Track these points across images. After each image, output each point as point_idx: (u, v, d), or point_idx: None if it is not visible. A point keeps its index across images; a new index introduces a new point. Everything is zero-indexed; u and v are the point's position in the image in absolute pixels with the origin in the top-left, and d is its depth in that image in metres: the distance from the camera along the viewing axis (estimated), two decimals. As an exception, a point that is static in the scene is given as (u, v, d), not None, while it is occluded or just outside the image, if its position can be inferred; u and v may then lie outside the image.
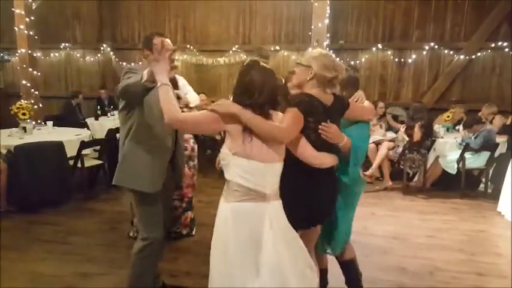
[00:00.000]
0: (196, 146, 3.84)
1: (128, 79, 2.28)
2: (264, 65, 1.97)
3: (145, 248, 2.45)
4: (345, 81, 2.43)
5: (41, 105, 6.55)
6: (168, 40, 2.46)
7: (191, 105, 3.44)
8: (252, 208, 1.85)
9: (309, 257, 2.03)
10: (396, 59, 7.23)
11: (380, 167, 5.73)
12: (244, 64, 2.00)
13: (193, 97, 3.52)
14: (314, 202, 2.14)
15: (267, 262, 1.83)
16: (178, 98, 3.32)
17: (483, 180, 5.53)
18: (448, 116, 6.29)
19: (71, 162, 4.85)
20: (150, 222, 2.48)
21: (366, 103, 2.52)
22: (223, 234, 1.88)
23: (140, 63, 2.55)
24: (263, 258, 1.84)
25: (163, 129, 2.38)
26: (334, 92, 2.24)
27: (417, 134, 5.39)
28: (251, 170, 1.84)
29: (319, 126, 2.09)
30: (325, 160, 2.12)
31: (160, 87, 1.90)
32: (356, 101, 2.45)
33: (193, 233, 3.86)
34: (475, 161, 5.37)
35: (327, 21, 5.34)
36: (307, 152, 2.05)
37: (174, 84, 3.57)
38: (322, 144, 2.11)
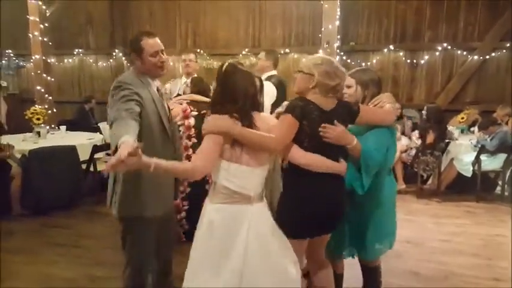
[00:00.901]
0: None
1: (121, 100, 2.09)
2: (242, 67, 1.93)
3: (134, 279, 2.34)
4: (366, 82, 2.37)
5: (54, 110, 6.65)
6: (157, 39, 2.30)
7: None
8: (235, 211, 1.87)
9: (293, 263, 1.96)
10: (408, 60, 7.14)
11: (393, 170, 5.65)
12: (223, 70, 1.92)
13: None
14: (317, 210, 2.05)
15: (233, 265, 1.82)
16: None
17: (499, 182, 5.41)
18: (463, 118, 6.18)
19: (84, 166, 4.90)
20: (144, 250, 2.35)
21: (387, 106, 2.35)
22: (204, 233, 1.89)
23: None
24: (232, 261, 1.83)
25: (162, 148, 2.27)
26: (340, 98, 2.16)
27: (430, 136, 5.31)
28: (238, 173, 1.85)
29: (322, 127, 2.01)
30: (320, 163, 2.01)
31: (154, 170, 1.65)
32: (375, 105, 2.33)
33: None
34: (491, 163, 5.25)
35: (337, 22, 5.30)
36: (297, 153, 1.99)
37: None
38: (321, 149, 2.02)
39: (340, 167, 2.07)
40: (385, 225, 2.43)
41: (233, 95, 1.86)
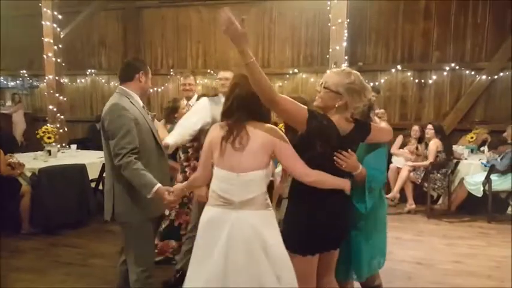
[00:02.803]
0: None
1: (123, 130, 2.27)
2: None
3: (147, 280, 2.44)
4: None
5: (66, 129, 6.75)
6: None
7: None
8: (218, 214, 1.94)
9: (275, 277, 1.90)
10: (416, 80, 7.16)
11: (403, 189, 5.60)
12: (233, 80, 2.08)
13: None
14: (322, 224, 2.04)
15: (213, 267, 1.87)
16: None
17: (511, 203, 5.33)
18: (472, 137, 6.14)
19: (93, 184, 4.94)
20: (149, 251, 2.53)
21: (383, 124, 2.41)
22: (198, 234, 2.02)
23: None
24: (212, 262, 1.87)
25: (157, 161, 2.45)
26: (357, 117, 2.14)
27: (436, 144, 5.29)
28: (219, 177, 1.96)
29: (336, 154, 2.00)
30: (324, 179, 1.99)
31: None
32: (380, 117, 2.38)
33: None
34: (502, 183, 5.18)
35: (344, 43, 5.36)
36: (297, 168, 1.96)
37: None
38: (330, 169, 2.01)
39: (345, 183, 2.04)
40: (377, 244, 2.42)
41: (240, 104, 1.96)
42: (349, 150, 2.05)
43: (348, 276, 2.45)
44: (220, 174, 1.95)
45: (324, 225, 2.04)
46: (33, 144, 6.21)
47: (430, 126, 5.62)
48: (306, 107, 1.99)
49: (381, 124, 2.41)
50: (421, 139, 5.95)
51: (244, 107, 1.95)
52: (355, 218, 2.26)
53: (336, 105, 2.00)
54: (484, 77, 6.74)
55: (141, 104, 2.53)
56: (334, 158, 2.01)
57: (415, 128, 6.00)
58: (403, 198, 5.70)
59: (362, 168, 2.11)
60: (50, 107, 6.56)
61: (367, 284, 2.51)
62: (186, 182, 2.30)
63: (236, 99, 1.97)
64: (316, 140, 1.96)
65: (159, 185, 2.24)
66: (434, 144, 5.43)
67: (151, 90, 7.41)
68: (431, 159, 5.41)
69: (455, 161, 5.58)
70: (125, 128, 2.27)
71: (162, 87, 8.62)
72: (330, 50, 5.42)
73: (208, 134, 2.05)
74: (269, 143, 1.93)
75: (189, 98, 4.09)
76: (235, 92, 1.99)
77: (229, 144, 1.92)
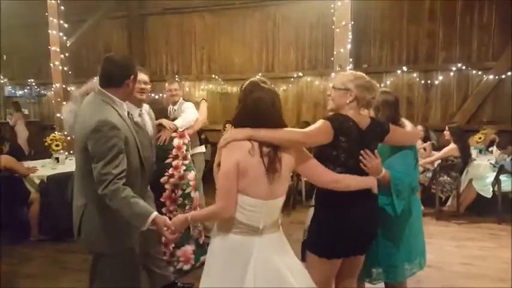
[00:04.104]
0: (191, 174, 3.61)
1: (111, 153, 1.95)
2: (264, 85, 1.84)
3: None
4: (377, 104, 2.37)
5: (74, 136, 6.79)
6: (143, 75, 2.46)
7: (180, 129, 3.46)
8: (241, 242, 1.78)
9: None
10: (422, 81, 7.12)
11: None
12: (244, 87, 1.86)
13: (183, 120, 3.50)
14: (351, 228, 2.05)
15: None
16: (161, 125, 3.33)
17: (522, 203, 5.26)
18: (480, 138, 6.08)
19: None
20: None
21: (409, 127, 2.43)
22: (213, 263, 1.84)
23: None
24: None
25: (141, 181, 2.25)
26: (371, 115, 2.20)
27: (452, 148, 5.24)
28: (245, 205, 1.77)
29: (362, 152, 2.04)
30: (351, 182, 1.99)
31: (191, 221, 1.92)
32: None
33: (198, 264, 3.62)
34: (512, 183, 5.12)
35: (349, 46, 5.34)
36: (323, 177, 1.95)
37: (165, 115, 3.65)
38: (355, 167, 2.04)
39: (372, 181, 2.05)
40: (414, 245, 2.42)
41: (253, 111, 1.80)
42: (371, 146, 2.09)
43: (363, 276, 2.44)
44: (246, 203, 1.76)
45: (352, 231, 2.06)
46: (40, 152, 6.26)
47: (446, 128, 5.54)
48: (324, 120, 2.00)
49: (407, 127, 2.42)
50: (426, 139, 5.92)
51: (268, 114, 1.80)
52: (386, 222, 2.27)
53: (347, 102, 2.07)
54: (491, 76, 6.69)
55: (126, 111, 2.22)
56: (360, 157, 2.04)
57: (419, 127, 5.96)
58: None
59: (386, 172, 2.13)
60: (58, 115, 6.61)
61: (395, 286, 2.48)
62: (191, 213, 1.99)
63: (253, 105, 1.80)
64: (338, 136, 1.99)
65: (155, 213, 1.94)
66: (449, 151, 5.32)
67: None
68: (434, 159, 5.40)
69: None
70: (113, 152, 1.95)
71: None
72: (335, 52, 5.40)
73: (226, 154, 1.75)
74: (291, 163, 1.87)
75: (174, 103, 4.15)
76: (251, 98, 1.81)
77: (274, 173, 1.76)
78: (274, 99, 1.83)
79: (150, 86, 2.98)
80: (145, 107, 3.04)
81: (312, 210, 2.24)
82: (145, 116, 2.97)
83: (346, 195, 1.99)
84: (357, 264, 2.25)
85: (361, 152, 2.04)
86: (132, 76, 2.15)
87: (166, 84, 4.26)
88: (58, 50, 6.41)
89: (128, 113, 2.28)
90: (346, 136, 2.00)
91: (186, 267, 3.56)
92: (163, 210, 3.43)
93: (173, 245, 3.52)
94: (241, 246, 1.78)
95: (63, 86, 6.55)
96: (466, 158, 5.36)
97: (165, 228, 1.90)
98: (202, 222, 3.70)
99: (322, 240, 2.05)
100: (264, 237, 1.80)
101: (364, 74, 2.15)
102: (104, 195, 1.94)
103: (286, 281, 1.78)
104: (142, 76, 2.81)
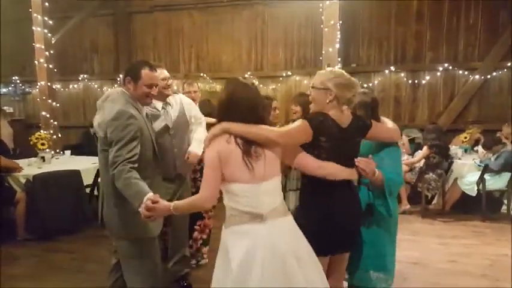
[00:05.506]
0: None
1: (126, 138, 2.12)
2: (244, 81, 1.93)
3: None
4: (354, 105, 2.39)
5: (59, 135, 6.70)
6: (156, 74, 2.40)
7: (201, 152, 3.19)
8: (247, 231, 1.82)
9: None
10: (410, 81, 7.20)
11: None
12: (225, 84, 1.96)
13: (198, 144, 3.15)
14: (336, 225, 2.09)
15: None
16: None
17: (505, 201, 5.37)
18: (466, 137, 6.18)
19: (88, 190, 4.91)
20: (152, 273, 2.33)
21: (390, 124, 2.45)
22: (221, 260, 1.88)
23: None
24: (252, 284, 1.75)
25: (152, 174, 2.33)
26: (353, 111, 2.21)
27: (424, 153, 5.33)
28: (240, 192, 1.83)
29: (358, 159, 2.07)
30: (335, 170, 2.03)
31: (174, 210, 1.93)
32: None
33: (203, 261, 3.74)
34: (496, 182, 5.22)
35: (337, 45, 5.38)
36: (308, 163, 2.01)
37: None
38: (338, 163, 2.06)
39: (352, 172, 2.10)
40: (385, 252, 2.41)
41: (233, 107, 1.86)
42: (353, 142, 2.13)
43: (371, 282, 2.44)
44: (240, 189, 1.83)
45: (336, 227, 2.09)
46: (26, 151, 6.16)
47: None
48: (302, 120, 2.02)
49: (388, 124, 2.44)
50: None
51: (242, 112, 1.86)
52: (380, 220, 2.32)
53: (327, 101, 2.07)
54: (477, 76, 6.79)
55: (145, 111, 2.40)
56: (357, 162, 2.07)
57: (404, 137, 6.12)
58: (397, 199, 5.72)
59: (379, 173, 2.15)
60: (43, 113, 6.52)
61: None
62: (174, 202, 1.99)
63: (234, 103, 1.87)
64: (319, 136, 2.01)
65: (151, 194, 2.01)
66: (423, 153, 5.48)
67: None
68: (417, 160, 5.55)
69: (449, 161, 5.61)
70: (128, 137, 2.12)
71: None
72: (323, 52, 5.44)
73: (210, 149, 1.85)
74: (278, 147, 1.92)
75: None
76: (233, 96, 1.89)
77: (250, 156, 1.82)
78: (253, 95, 1.89)
79: (169, 81, 2.98)
80: (177, 97, 3.11)
81: (290, 194, 2.34)
82: (169, 108, 3.01)
83: (330, 192, 2.05)
84: (341, 261, 2.29)
85: (357, 161, 2.07)
86: (128, 77, 2.31)
87: (185, 86, 4.00)
88: (43, 47, 6.31)
89: (147, 114, 2.46)
90: (326, 136, 2.02)
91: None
92: None
93: (201, 241, 3.65)
94: (246, 235, 1.81)
95: (48, 83, 6.45)
96: (446, 156, 5.49)
97: (145, 209, 1.96)
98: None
99: (308, 238, 2.04)
100: (269, 224, 1.83)
101: (343, 72, 2.15)
102: (113, 176, 2.09)
103: (292, 270, 1.79)
104: (164, 73, 2.91)
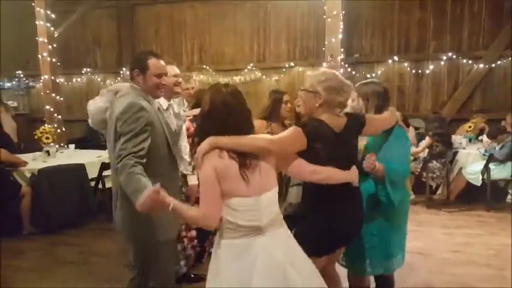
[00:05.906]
0: None
1: (134, 131, 1.99)
2: (226, 88, 1.80)
3: None
4: (367, 94, 2.36)
5: (64, 129, 6.73)
6: (162, 62, 2.28)
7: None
8: (243, 245, 1.74)
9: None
10: (413, 71, 7.15)
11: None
12: (207, 93, 1.81)
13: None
14: (338, 228, 2.06)
15: None
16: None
17: (510, 191, 5.34)
18: (470, 127, 6.14)
19: (93, 183, 4.94)
20: (168, 272, 2.28)
21: (385, 113, 2.39)
22: (217, 271, 1.79)
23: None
24: None
25: (168, 170, 2.22)
26: (347, 111, 2.16)
27: (427, 142, 5.32)
28: (240, 207, 1.74)
29: (367, 156, 2.07)
30: (331, 174, 1.95)
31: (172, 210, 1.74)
32: None
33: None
34: (501, 171, 5.19)
35: (340, 36, 5.34)
36: (302, 169, 1.92)
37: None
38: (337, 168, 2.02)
39: (351, 174, 2.02)
40: (391, 241, 2.41)
41: (214, 117, 1.76)
42: (350, 143, 2.09)
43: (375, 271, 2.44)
44: (241, 204, 1.73)
45: (341, 229, 2.07)
46: (30, 145, 6.19)
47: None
48: (295, 127, 1.94)
49: (384, 113, 2.38)
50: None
51: (233, 118, 1.76)
52: (384, 211, 2.29)
53: (317, 105, 2.00)
54: (481, 65, 6.73)
55: (157, 105, 2.29)
56: (363, 165, 2.07)
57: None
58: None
59: (379, 166, 2.14)
60: (47, 107, 6.54)
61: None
62: (176, 202, 1.78)
63: (215, 114, 1.76)
64: (313, 143, 1.93)
65: (150, 188, 1.80)
66: (426, 142, 5.47)
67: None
68: (421, 150, 5.54)
69: (453, 150, 5.59)
70: (136, 130, 2.00)
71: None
72: (326, 42, 5.40)
73: (205, 165, 1.72)
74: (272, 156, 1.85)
75: (189, 102, 3.87)
76: (213, 106, 1.77)
77: (247, 168, 1.73)
78: (238, 104, 1.78)
79: (179, 79, 2.79)
80: (176, 101, 2.90)
81: (294, 189, 2.28)
82: (170, 111, 2.77)
83: (333, 196, 2.00)
84: (335, 256, 2.29)
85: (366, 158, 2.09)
86: (137, 70, 2.21)
87: (183, 83, 3.93)
88: (46, 41, 6.32)
89: (159, 108, 2.33)
90: (321, 142, 1.95)
91: None
92: None
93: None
94: (245, 249, 1.74)
95: (52, 77, 6.47)
96: (447, 145, 5.47)
97: (142, 198, 1.76)
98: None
99: (312, 241, 2.02)
100: (268, 235, 1.77)
101: (336, 73, 2.06)
102: (117, 170, 1.96)
103: (290, 278, 1.73)
104: (175, 70, 2.71)
